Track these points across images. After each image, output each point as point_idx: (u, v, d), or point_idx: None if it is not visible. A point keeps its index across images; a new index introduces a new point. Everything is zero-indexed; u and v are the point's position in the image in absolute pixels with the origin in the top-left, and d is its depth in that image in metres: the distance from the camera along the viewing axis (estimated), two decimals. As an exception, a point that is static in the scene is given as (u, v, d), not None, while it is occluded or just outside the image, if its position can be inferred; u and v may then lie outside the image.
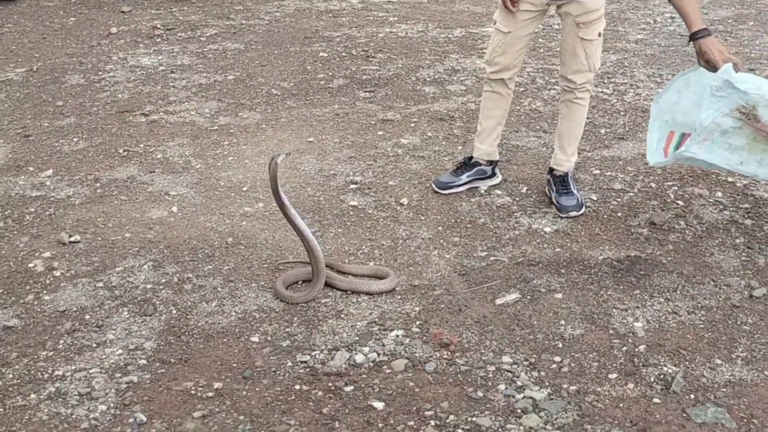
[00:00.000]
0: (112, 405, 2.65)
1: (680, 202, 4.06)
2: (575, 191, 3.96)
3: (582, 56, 3.78)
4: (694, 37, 3.48)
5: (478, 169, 4.13)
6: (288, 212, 3.24)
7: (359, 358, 2.89)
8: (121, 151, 4.65)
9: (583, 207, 3.93)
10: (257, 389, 2.73)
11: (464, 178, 4.11)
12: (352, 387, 2.74)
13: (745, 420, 2.58)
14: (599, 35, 3.76)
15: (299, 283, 3.37)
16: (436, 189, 4.12)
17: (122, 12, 7.88)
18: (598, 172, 4.40)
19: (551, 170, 4.06)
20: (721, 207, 4.01)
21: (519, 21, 3.75)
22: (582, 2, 3.66)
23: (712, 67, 3.43)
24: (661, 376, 2.79)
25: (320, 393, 2.71)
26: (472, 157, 4.16)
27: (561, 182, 3.98)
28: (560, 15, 3.77)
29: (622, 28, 7.26)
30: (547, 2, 3.72)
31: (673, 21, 7.42)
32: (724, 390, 2.72)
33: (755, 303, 3.21)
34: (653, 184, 4.25)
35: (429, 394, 2.71)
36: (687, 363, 2.86)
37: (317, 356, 2.90)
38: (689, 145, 3.46)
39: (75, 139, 4.80)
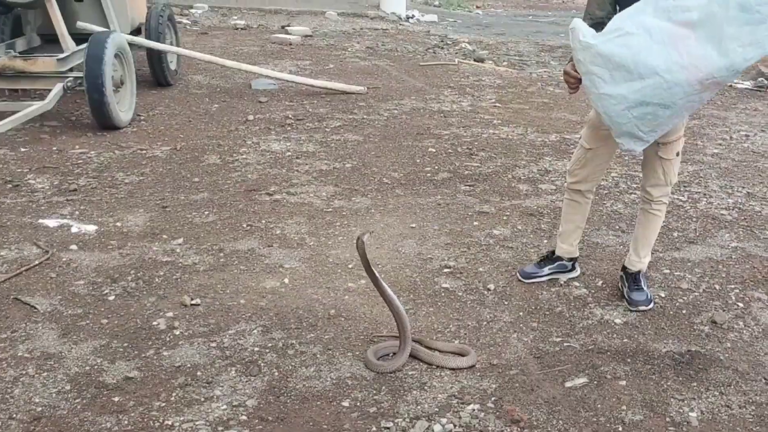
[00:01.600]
0: (211, 455, 2.71)
1: (740, 304, 4.01)
2: (645, 288, 3.98)
3: (660, 172, 3.80)
4: None
5: (559, 264, 4.19)
6: (380, 286, 3.32)
7: (437, 428, 2.90)
8: (245, 225, 4.83)
9: (652, 302, 3.93)
10: (342, 452, 2.75)
11: (546, 270, 4.19)
12: (429, 457, 2.74)
13: None
14: (677, 155, 3.77)
15: (389, 355, 3.41)
16: (521, 278, 4.18)
17: (260, 102, 8.24)
18: (668, 271, 4.38)
19: (624, 268, 4.07)
20: None
21: (601, 139, 3.78)
22: None
23: None
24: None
25: (399, 461, 2.72)
26: (554, 252, 4.19)
27: (633, 279, 4.00)
28: None
29: (701, 142, 7.16)
30: None
31: (747, 139, 7.33)
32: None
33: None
34: (717, 286, 4.21)
35: (501, 471, 2.68)
36: (750, 461, 2.77)
37: (399, 423, 2.91)
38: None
39: (206, 212, 5.02)
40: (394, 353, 3.40)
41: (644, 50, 3.21)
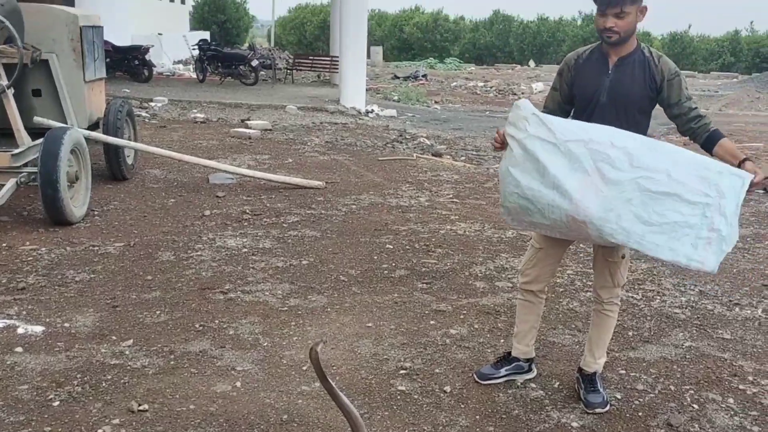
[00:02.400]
0: None
1: (695, 406, 4.02)
2: (602, 389, 3.97)
3: (606, 274, 3.87)
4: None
5: (516, 365, 4.18)
6: (336, 395, 3.24)
7: None
8: (197, 325, 4.75)
9: (608, 405, 3.92)
10: None
11: (503, 371, 4.16)
12: None
13: None
14: (623, 257, 3.82)
15: (346, 465, 3.32)
16: (477, 379, 4.15)
17: (217, 196, 8.24)
18: (623, 371, 4.38)
19: (580, 369, 4.07)
20: (732, 413, 3.95)
21: (550, 239, 3.84)
22: None
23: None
24: None
25: None
26: (510, 353, 4.20)
27: (589, 381, 4.00)
28: None
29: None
30: None
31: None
32: None
33: None
34: (672, 387, 4.21)
35: None
36: None
37: None
38: None
39: (158, 312, 4.94)
40: (349, 462, 3.31)
41: (561, 170, 3.35)
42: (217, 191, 8.49)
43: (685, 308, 5.41)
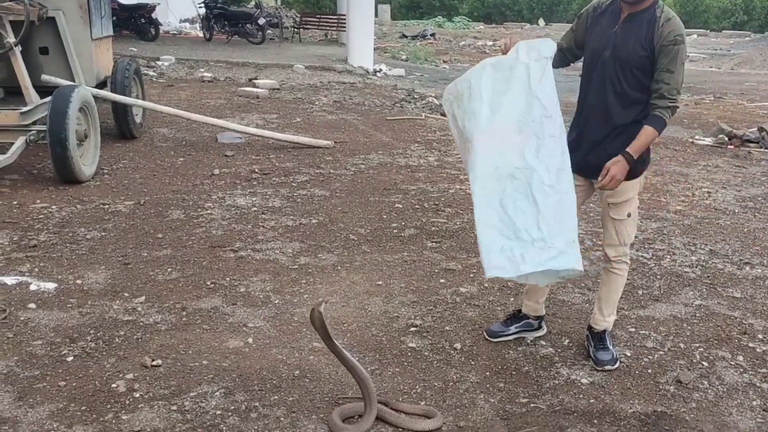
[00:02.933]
0: None
1: (705, 363, 4.04)
2: (611, 347, 4.00)
3: (613, 233, 3.87)
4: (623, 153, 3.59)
5: (525, 322, 4.20)
6: (341, 354, 3.30)
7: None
8: (209, 283, 4.78)
9: (618, 362, 3.95)
10: None
11: (513, 329, 4.19)
12: None
13: None
14: (629, 215, 3.82)
15: (355, 417, 3.37)
16: (487, 337, 4.18)
17: (226, 156, 8.24)
18: (633, 329, 4.40)
19: (590, 327, 4.09)
20: (741, 370, 3.98)
21: None
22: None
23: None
24: None
25: None
26: (521, 310, 4.20)
27: (599, 338, 4.03)
28: (597, 192, 3.84)
29: (664, 199, 7.28)
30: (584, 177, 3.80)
31: (709, 196, 7.46)
32: None
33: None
34: (682, 345, 4.23)
35: None
36: None
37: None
38: None
39: (169, 270, 4.97)
40: (360, 416, 3.36)
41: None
42: (226, 150, 8.48)
43: (696, 267, 5.42)
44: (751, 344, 4.26)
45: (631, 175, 3.65)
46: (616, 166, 3.55)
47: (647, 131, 3.55)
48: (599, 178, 3.59)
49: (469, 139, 3.59)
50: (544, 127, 3.46)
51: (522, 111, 3.50)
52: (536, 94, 3.49)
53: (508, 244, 3.37)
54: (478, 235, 3.44)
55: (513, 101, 3.51)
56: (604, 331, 4.03)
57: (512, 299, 4.71)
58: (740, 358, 4.10)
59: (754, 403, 3.66)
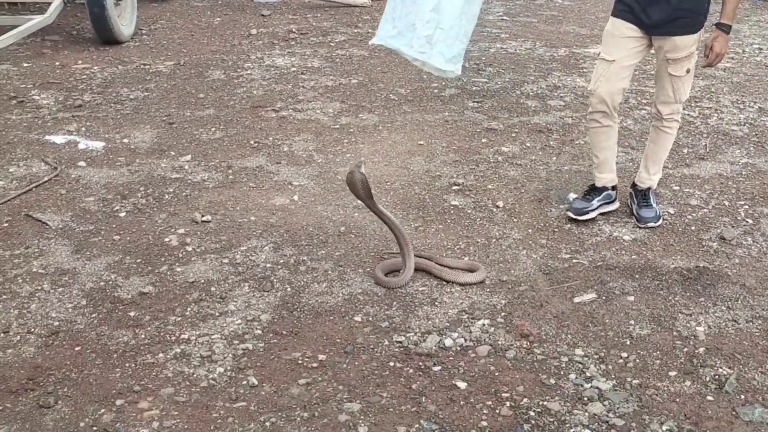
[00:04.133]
0: (228, 368, 2.79)
1: (749, 220, 4.04)
2: (655, 205, 3.99)
3: (669, 90, 3.80)
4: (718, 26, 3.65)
5: (605, 194, 4.01)
6: (379, 210, 3.38)
7: (448, 342, 2.97)
8: (252, 142, 4.84)
9: (661, 219, 3.95)
10: (356, 363, 2.83)
11: (595, 203, 3.98)
12: (439, 367, 2.82)
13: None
14: (687, 71, 3.74)
15: (400, 271, 3.46)
16: (574, 216, 3.94)
17: (262, 15, 8.14)
18: (677, 188, 4.39)
19: (634, 185, 4.07)
20: None
21: (623, 49, 3.72)
22: (671, 39, 3.62)
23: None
24: (716, 377, 2.81)
25: (411, 370, 2.80)
26: (594, 185, 4.06)
27: (642, 196, 4.01)
28: (655, 48, 3.74)
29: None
30: (643, 33, 3.69)
31: (761, 52, 7.23)
32: (780, 397, 2.72)
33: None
34: (726, 202, 4.23)
35: (507, 378, 2.78)
36: (741, 366, 2.88)
37: (411, 338, 2.99)
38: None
39: (213, 129, 5.02)
40: (399, 271, 3.46)
41: None
42: (262, 10, 8.36)
43: (743, 125, 5.34)
44: (796, 202, 4.23)
45: (693, 28, 3.57)
46: (718, 42, 3.58)
47: None
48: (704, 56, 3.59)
49: None
50: None
51: None
52: None
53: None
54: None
55: None
56: (649, 188, 4.01)
57: (554, 158, 4.70)
58: (785, 215, 4.09)
59: (798, 259, 3.67)
